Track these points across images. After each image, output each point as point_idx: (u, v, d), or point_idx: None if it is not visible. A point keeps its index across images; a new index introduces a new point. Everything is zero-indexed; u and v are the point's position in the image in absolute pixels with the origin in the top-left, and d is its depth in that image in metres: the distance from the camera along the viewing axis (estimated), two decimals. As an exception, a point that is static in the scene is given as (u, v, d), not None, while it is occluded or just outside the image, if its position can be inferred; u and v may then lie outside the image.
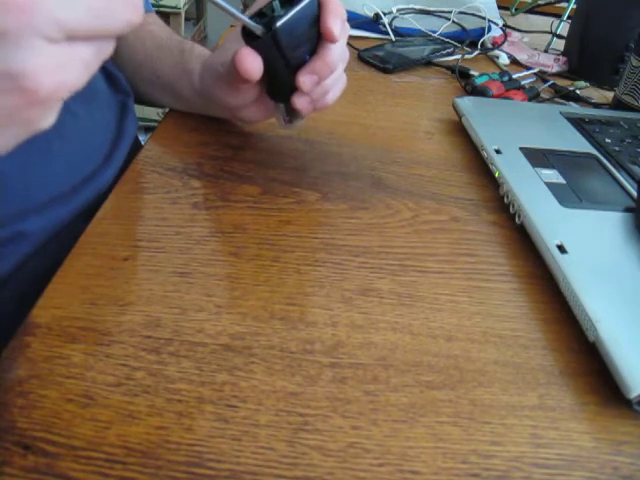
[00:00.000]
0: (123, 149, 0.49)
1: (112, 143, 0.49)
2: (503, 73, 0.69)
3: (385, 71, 0.71)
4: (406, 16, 0.84)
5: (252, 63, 0.37)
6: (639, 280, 0.36)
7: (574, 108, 0.65)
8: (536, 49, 0.83)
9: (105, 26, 0.24)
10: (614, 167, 0.49)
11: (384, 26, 0.81)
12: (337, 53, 0.41)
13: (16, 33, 0.22)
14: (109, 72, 0.53)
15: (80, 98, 0.47)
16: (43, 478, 0.24)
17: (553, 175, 0.47)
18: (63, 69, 0.23)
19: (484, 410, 0.29)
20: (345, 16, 0.41)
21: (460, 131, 0.57)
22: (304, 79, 0.40)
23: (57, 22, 0.22)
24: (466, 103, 0.58)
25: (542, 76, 0.74)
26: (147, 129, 1.80)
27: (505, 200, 0.44)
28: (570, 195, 0.44)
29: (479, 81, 0.66)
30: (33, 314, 0.31)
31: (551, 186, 0.45)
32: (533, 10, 1.00)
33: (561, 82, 0.73)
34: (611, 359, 0.30)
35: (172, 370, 0.29)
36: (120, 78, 0.53)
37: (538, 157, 0.49)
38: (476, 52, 0.79)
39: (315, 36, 0.40)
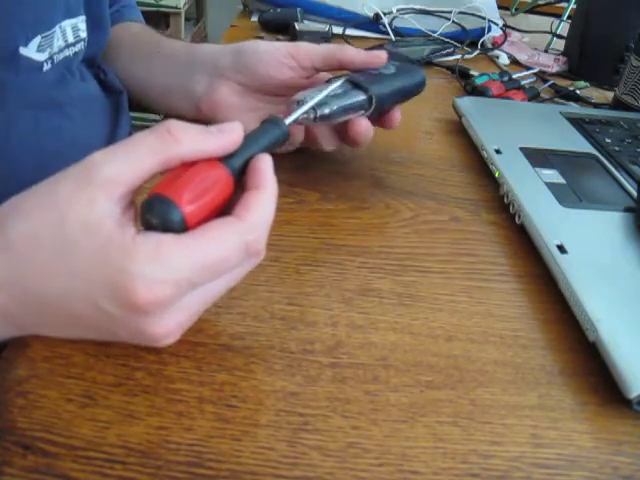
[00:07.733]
0: None
1: (107, 143, 0.49)
2: (503, 73, 0.69)
3: (385, 71, 0.71)
4: (406, 16, 0.84)
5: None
6: (639, 280, 0.36)
7: (574, 108, 0.65)
8: (536, 49, 0.83)
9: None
10: (614, 167, 0.49)
11: (384, 26, 0.81)
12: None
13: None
14: (102, 77, 0.53)
15: (76, 103, 0.47)
16: (43, 478, 0.24)
17: (553, 175, 0.47)
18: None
19: (484, 410, 0.29)
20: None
21: (460, 131, 0.57)
22: None
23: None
24: (466, 103, 0.58)
25: (542, 76, 0.74)
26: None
27: (505, 200, 0.44)
28: (570, 195, 0.44)
29: (479, 81, 0.66)
30: (33, 314, 0.31)
31: (551, 186, 0.45)
32: (533, 10, 1.00)
33: (561, 82, 0.73)
34: (611, 359, 0.30)
35: (172, 370, 0.29)
36: (113, 79, 0.54)
37: (538, 157, 0.49)
38: (476, 52, 0.79)
39: None
